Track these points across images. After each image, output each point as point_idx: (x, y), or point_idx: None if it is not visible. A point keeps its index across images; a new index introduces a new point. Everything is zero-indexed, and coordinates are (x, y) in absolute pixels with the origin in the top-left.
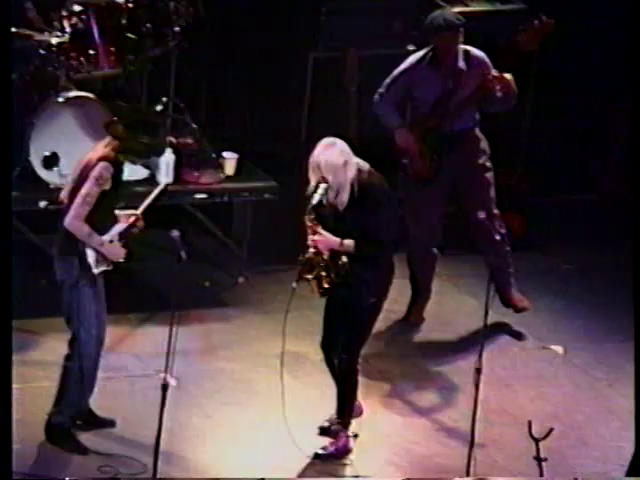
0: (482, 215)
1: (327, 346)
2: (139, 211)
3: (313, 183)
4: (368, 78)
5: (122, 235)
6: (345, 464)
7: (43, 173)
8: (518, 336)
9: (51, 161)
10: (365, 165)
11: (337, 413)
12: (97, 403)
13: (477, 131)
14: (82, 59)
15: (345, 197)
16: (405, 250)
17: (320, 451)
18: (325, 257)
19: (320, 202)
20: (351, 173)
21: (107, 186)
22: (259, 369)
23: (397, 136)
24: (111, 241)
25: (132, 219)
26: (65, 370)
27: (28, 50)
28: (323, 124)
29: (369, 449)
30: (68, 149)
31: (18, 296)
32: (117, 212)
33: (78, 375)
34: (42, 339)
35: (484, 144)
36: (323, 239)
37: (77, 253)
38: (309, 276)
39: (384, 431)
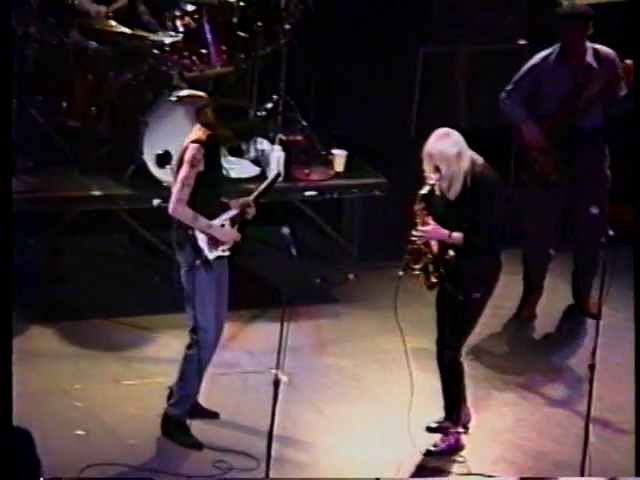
0: (595, 211)
1: (441, 342)
2: (251, 197)
3: (427, 173)
4: (478, 74)
5: (234, 220)
6: (457, 461)
7: (156, 171)
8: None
9: (164, 159)
10: (479, 158)
11: (445, 410)
12: (210, 399)
13: (603, 135)
14: (194, 58)
15: (457, 188)
16: (516, 247)
17: (432, 448)
18: (434, 250)
19: (430, 192)
20: (464, 164)
21: (201, 167)
22: (369, 365)
23: (525, 130)
24: (222, 225)
25: (244, 204)
26: (185, 359)
27: (142, 50)
28: (433, 120)
29: (481, 446)
30: (180, 147)
31: (133, 293)
32: (230, 201)
33: (197, 365)
34: (156, 335)
35: (607, 149)
36: (432, 229)
37: (189, 240)
38: (416, 266)
39: (496, 427)
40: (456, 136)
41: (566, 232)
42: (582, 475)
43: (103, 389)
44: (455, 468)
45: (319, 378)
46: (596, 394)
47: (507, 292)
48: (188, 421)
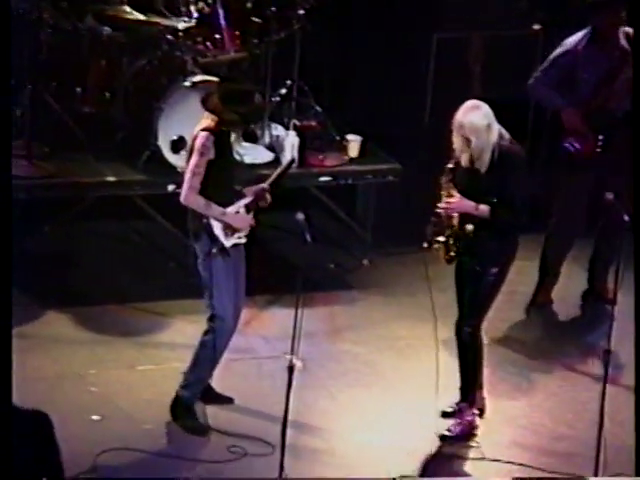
0: (610, 196)
1: (460, 320)
2: (266, 184)
3: (456, 145)
4: (493, 59)
5: (248, 207)
6: (471, 446)
7: (171, 157)
8: None
9: (179, 145)
10: (506, 133)
11: (461, 392)
12: (225, 384)
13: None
14: (208, 43)
15: (486, 160)
16: (529, 232)
17: (446, 432)
18: (454, 224)
19: (457, 165)
20: (494, 137)
21: (211, 155)
22: (384, 352)
23: (566, 117)
24: (237, 212)
25: (258, 191)
26: (201, 345)
27: (156, 36)
28: (447, 106)
29: (495, 431)
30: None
31: (148, 279)
32: (244, 189)
33: (212, 351)
34: (172, 321)
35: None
36: (458, 202)
37: (205, 228)
38: (439, 238)
39: (510, 413)
40: (486, 108)
41: (593, 218)
42: (597, 461)
43: (118, 374)
44: (469, 453)
45: (334, 364)
46: (611, 379)
47: (521, 278)
48: (201, 407)
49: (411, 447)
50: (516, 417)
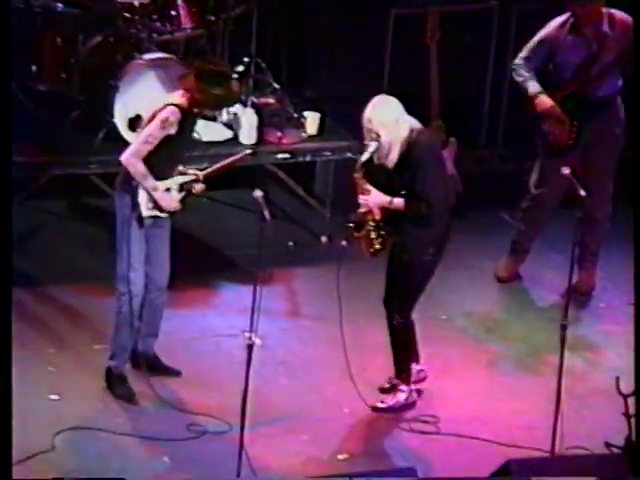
0: (567, 171)
1: (388, 303)
2: (206, 171)
3: (366, 141)
4: (450, 35)
5: (182, 187)
6: (430, 421)
7: (128, 135)
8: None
9: (135, 123)
10: (416, 124)
11: (395, 368)
12: (183, 362)
13: (619, 99)
14: (164, 20)
15: (395, 155)
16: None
17: (379, 404)
18: (376, 217)
19: (370, 160)
20: (403, 132)
21: (172, 130)
22: (343, 328)
23: (538, 103)
24: (168, 189)
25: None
26: (116, 312)
27: (111, 13)
28: (404, 82)
29: (455, 406)
30: (151, 111)
31: (106, 258)
32: (186, 169)
33: (125, 317)
34: None
35: (622, 113)
36: (372, 197)
37: (130, 190)
38: (358, 234)
39: (469, 387)
40: (394, 103)
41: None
42: (554, 434)
43: (76, 353)
44: (426, 427)
45: (293, 341)
46: (568, 354)
47: (481, 253)
48: (152, 379)
49: (371, 423)
50: (475, 391)
